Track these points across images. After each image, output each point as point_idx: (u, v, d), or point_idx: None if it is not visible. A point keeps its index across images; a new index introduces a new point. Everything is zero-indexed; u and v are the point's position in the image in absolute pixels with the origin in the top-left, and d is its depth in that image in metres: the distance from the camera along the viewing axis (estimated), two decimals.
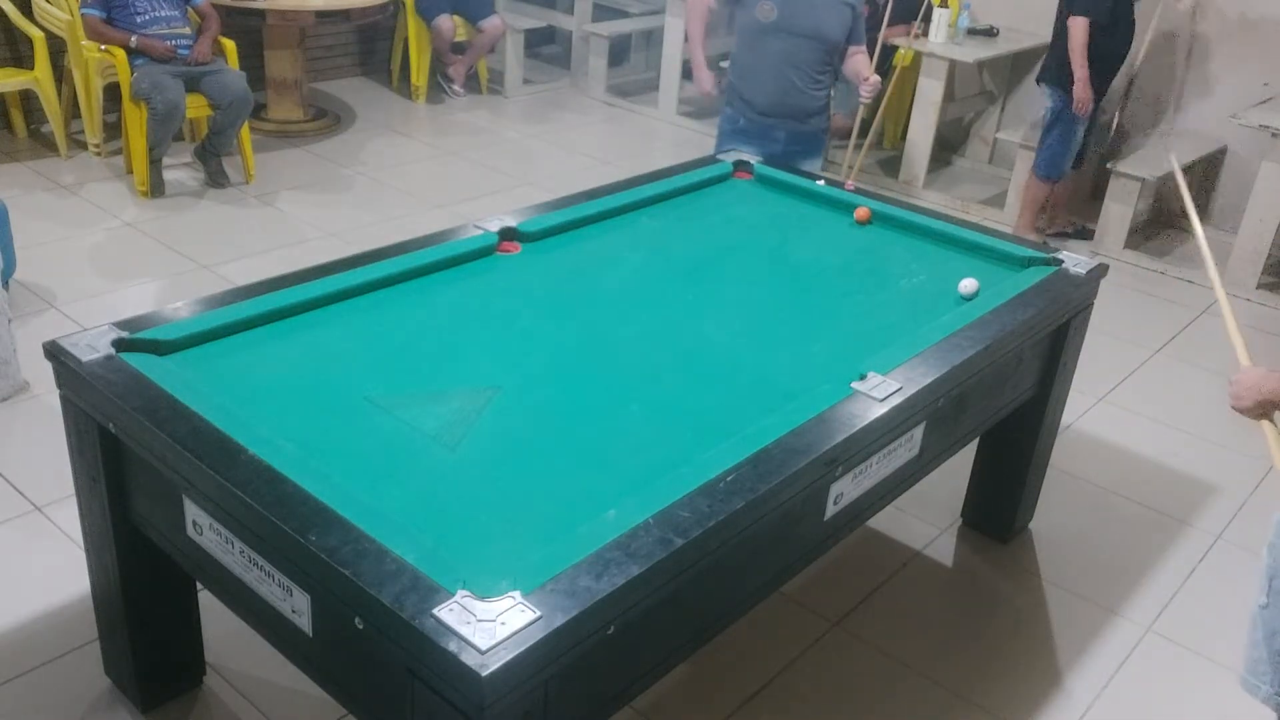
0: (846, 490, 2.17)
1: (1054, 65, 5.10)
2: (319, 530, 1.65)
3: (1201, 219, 5.63)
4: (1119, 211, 5.33)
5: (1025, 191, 5.34)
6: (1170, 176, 5.34)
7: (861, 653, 2.74)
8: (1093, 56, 4.91)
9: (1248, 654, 2.08)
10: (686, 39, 4.01)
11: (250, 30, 5.83)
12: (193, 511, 1.91)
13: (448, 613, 1.50)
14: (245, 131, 5.21)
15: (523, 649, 1.46)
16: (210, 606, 2.27)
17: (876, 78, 3.85)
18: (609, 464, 1.97)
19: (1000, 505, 3.17)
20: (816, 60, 3.85)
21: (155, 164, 4.96)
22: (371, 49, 7.19)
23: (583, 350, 2.38)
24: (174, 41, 5.00)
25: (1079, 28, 4.85)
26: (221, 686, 2.46)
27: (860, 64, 3.93)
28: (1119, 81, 5.31)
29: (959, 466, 3.06)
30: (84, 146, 5.43)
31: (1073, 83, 4.94)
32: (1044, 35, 5.95)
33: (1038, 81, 5.28)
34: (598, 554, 1.64)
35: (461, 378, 2.22)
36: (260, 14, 5.55)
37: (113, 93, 5.12)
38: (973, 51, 5.67)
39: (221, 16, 5.29)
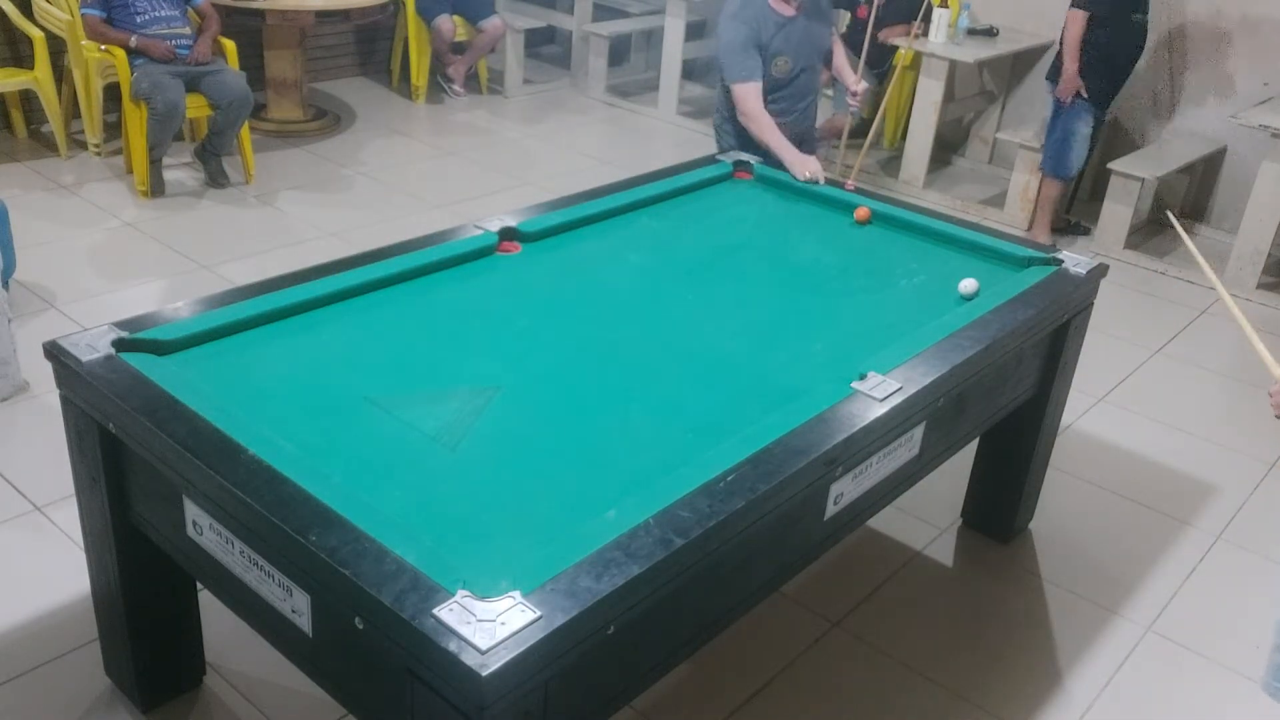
0: (846, 490, 2.17)
1: (1056, 63, 5.12)
2: (319, 530, 1.65)
3: (1202, 219, 5.68)
4: (1119, 211, 5.33)
5: (1040, 193, 5.36)
6: (1170, 176, 5.35)
7: (861, 653, 2.74)
8: (1093, 55, 4.92)
9: (1271, 658, 2.07)
10: (767, 142, 3.69)
11: (250, 30, 5.83)
12: (193, 511, 1.91)
13: (448, 613, 1.50)
14: (245, 131, 5.21)
15: (523, 649, 1.46)
16: (210, 606, 2.27)
17: (863, 85, 3.91)
18: (609, 464, 1.97)
19: (1000, 505, 3.17)
20: (820, 74, 3.96)
21: (155, 164, 4.96)
22: (371, 49, 7.19)
23: (583, 350, 2.38)
24: (174, 41, 5.00)
25: (1075, 20, 4.90)
26: (221, 686, 2.46)
27: (843, 65, 3.99)
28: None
29: (959, 466, 3.06)
30: (84, 146, 5.43)
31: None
32: (1044, 35, 5.98)
33: (1047, 79, 5.30)
34: (598, 554, 1.64)
35: (461, 378, 2.22)
36: (260, 14, 5.55)
37: (113, 93, 5.12)
38: (973, 51, 5.67)
39: (221, 16, 5.29)
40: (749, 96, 3.72)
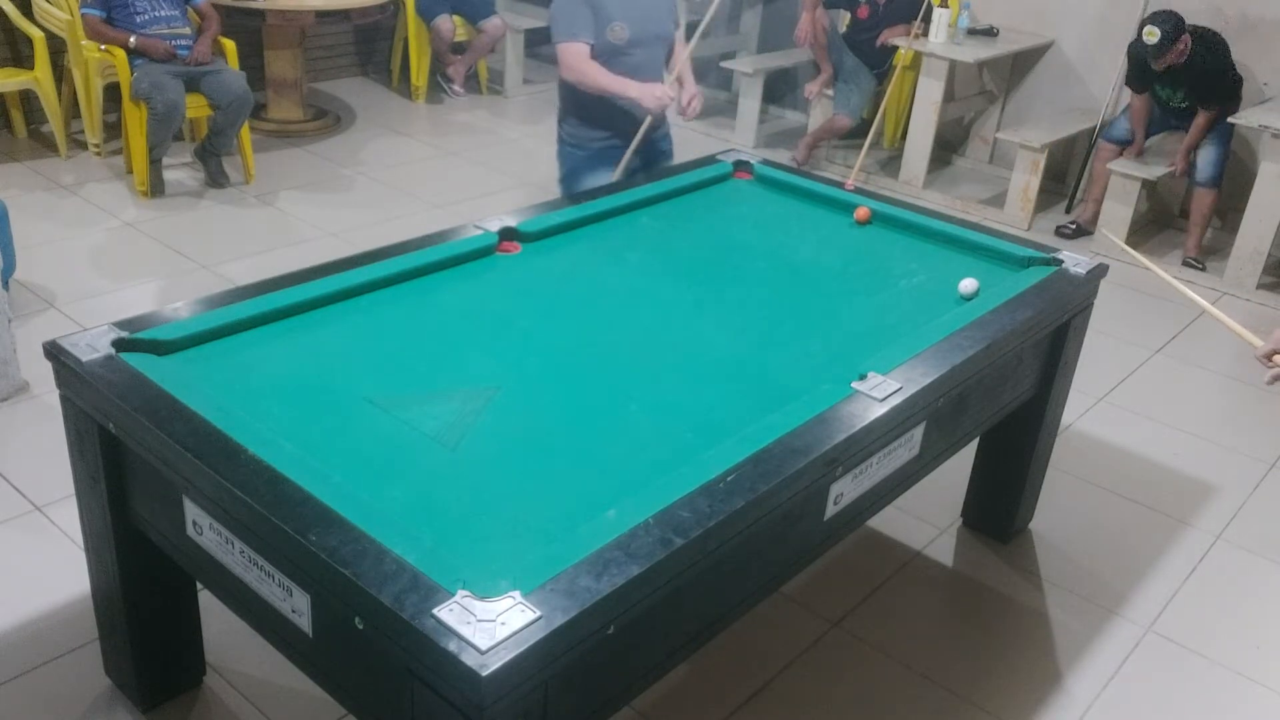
0: (846, 490, 2.17)
1: None
2: (319, 530, 1.65)
3: None
4: (1119, 211, 5.33)
5: None
6: (1169, 176, 5.35)
7: (861, 653, 2.74)
8: None
9: None
10: (603, 88, 3.42)
11: (250, 30, 5.83)
12: (193, 511, 1.91)
13: (448, 613, 1.50)
14: (245, 131, 5.22)
15: (523, 649, 1.46)
16: (210, 606, 2.27)
17: (696, 103, 3.62)
18: (609, 464, 1.97)
19: (1000, 505, 3.17)
20: (663, 63, 3.70)
21: (155, 164, 4.96)
22: (371, 49, 7.19)
23: (582, 350, 2.38)
24: (174, 41, 5.00)
25: None
26: (221, 686, 2.46)
27: (685, 69, 3.69)
28: None
29: (959, 466, 3.06)
30: (84, 146, 5.43)
31: None
32: (1044, 35, 5.98)
33: None
34: (598, 554, 1.64)
35: (461, 378, 2.22)
36: (260, 14, 5.55)
37: (113, 93, 5.12)
38: (973, 51, 5.67)
39: (221, 16, 5.29)
40: (576, 55, 3.39)
